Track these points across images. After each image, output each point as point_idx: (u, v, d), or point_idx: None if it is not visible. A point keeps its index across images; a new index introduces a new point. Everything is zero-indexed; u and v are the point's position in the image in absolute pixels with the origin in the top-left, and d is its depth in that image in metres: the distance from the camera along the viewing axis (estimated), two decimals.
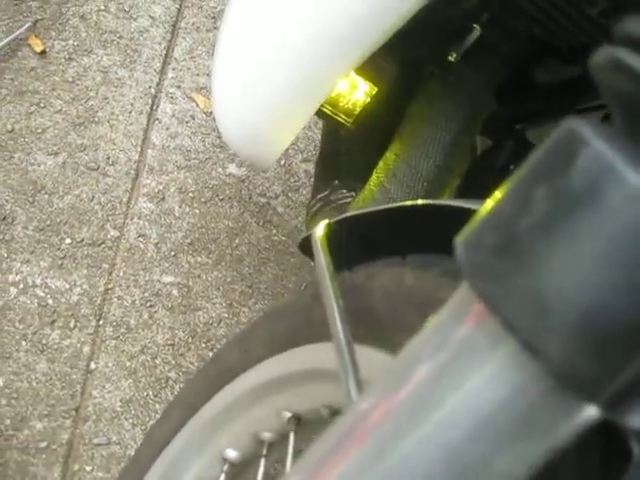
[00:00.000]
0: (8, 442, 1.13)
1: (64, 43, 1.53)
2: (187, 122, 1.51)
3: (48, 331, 1.23)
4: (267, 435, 0.67)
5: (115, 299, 1.29)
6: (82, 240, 1.32)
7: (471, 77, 0.86)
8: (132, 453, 1.16)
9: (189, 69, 1.58)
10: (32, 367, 1.19)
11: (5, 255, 1.27)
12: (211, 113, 1.52)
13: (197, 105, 1.54)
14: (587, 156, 0.23)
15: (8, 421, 1.15)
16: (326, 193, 0.97)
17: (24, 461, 1.13)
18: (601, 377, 0.23)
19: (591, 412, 0.25)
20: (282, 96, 0.81)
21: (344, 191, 0.96)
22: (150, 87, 1.53)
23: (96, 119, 1.46)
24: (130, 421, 1.20)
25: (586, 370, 0.23)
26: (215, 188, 1.45)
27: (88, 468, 1.15)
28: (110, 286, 1.30)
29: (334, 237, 0.55)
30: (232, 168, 1.48)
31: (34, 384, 1.18)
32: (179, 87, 1.55)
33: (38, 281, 1.26)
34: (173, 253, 1.36)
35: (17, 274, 1.26)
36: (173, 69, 1.57)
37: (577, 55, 0.82)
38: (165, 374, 1.25)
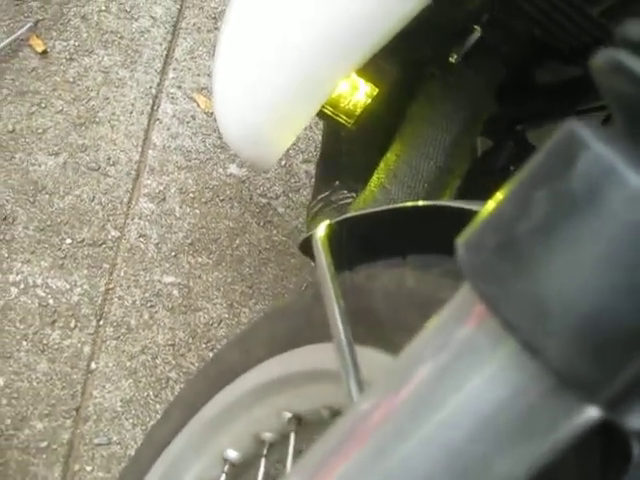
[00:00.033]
0: (9, 442, 1.13)
1: (65, 43, 1.53)
2: (188, 122, 1.51)
3: (49, 331, 1.23)
4: (268, 435, 0.67)
5: (116, 299, 1.29)
6: (83, 240, 1.32)
7: (472, 78, 0.86)
8: (132, 453, 1.16)
9: (190, 69, 1.58)
10: (33, 367, 1.20)
11: (6, 255, 1.28)
12: (212, 113, 1.52)
13: (198, 105, 1.54)
14: (587, 158, 0.23)
15: (9, 421, 1.15)
16: (327, 194, 0.97)
17: (25, 461, 1.13)
18: (601, 378, 0.23)
19: (591, 413, 0.25)
20: (283, 97, 0.82)
21: (345, 192, 0.96)
22: (151, 87, 1.53)
23: (97, 119, 1.46)
24: (130, 421, 1.20)
25: (586, 371, 0.23)
26: (216, 188, 1.45)
27: (88, 468, 1.15)
28: (111, 286, 1.30)
29: (335, 238, 0.55)
30: (233, 168, 1.48)
31: (35, 384, 1.18)
32: (180, 87, 1.55)
33: (39, 281, 1.27)
34: (174, 253, 1.36)
35: (18, 274, 1.26)
36: (174, 69, 1.57)
37: (578, 56, 0.82)
38: (165, 374, 1.25)
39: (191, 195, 1.43)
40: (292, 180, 1.51)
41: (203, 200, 1.43)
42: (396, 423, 0.28)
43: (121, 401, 1.21)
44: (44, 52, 1.50)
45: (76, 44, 1.54)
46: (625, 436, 0.33)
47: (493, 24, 0.83)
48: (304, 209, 1.43)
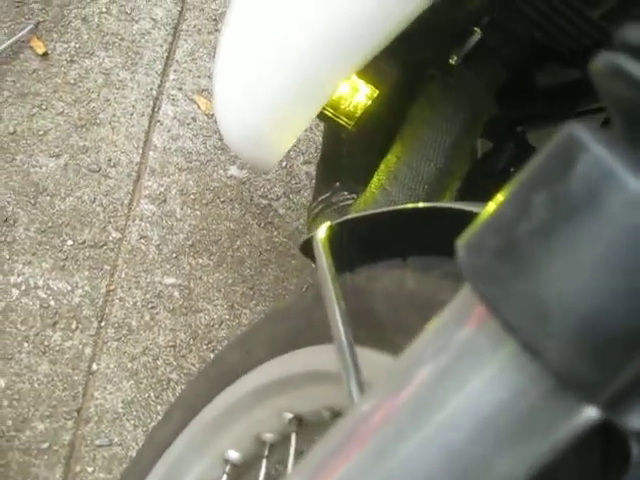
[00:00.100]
0: (10, 443, 1.13)
1: (66, 45, 1.53)
2: (188, 124, 1.51)
3: (50, 332, 1.23)
4: (269, 436, 0.67)
5: (117, 301, 1.29)
6: (84, 242, 1.33)
7: (472, 80, 0.87)
8: (134, 454, 1.17)
9: (190, 71, 1.58)
10: (34, 368, 1.20)
11: (7, 257, 1.28)
12: (212, 115, 1.52)
13: (198, 107, 1.54)
14: (587, 161, 0.23)
15: (10, 422, 1.15)
16: (327, 195, 0.97)
17: (26, 462, 1.13)
18: (601, 379, 0.23)
19: (591, 413, 0.25)
20: (284, 98, 0.82)
21: (345, 193, 0.96)
22: (151, 89, 1.53)
23: (98, 121, 1.46)
24: (132, 422, 1.20)
25: (586, 372, 0.23)
26: (216, 190, 1.45)
27: (90, 469, 1.15)
28: (112, 288, 1.30)
29: (335, 239, 0.55)
30: (233, 170, 1.48)
31: (36, 385, 1.19)
32: (180, 89, 1.55)
33: (40, 283, 1.27)
34: (174, 255, 1.36)
35: (19, 276, 1.26)
36: (174, 71, 1.58)
37: (578, 58, 0.82)
38: (166, 375, 1.25)
39: (192, 197, 1.43)
40: (293, 181, 1.51)
41: (204, 202, 1.43)
42: (397, 424, 0.28)
43: (122, 402, 1.21)
44: (45, 54, 1.50)
45: (77, 46, 1.54)
46: (624, 436, 0.33)
47: (493, 26, 0.83)
48: (305, 210, 1.44)
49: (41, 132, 1.41)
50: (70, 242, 1.32)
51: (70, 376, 1.21)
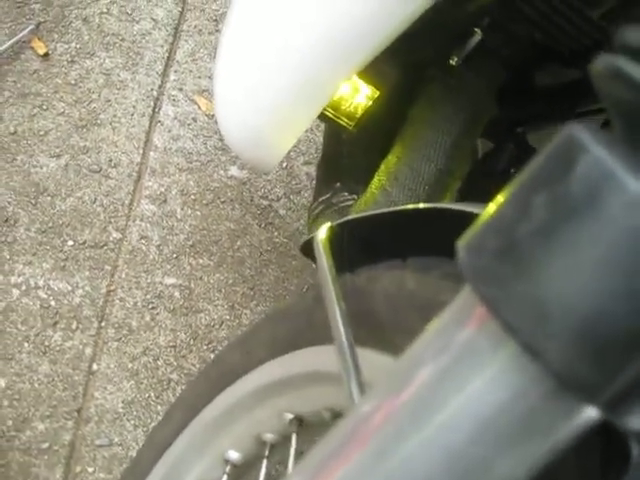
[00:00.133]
0: (10, 443, 1.14)
1: (67, 46, 1.53)
2: (189, 124, 1.51)
3: (50, 333, 1.23)
4: (269, 436, 0.68)
5: (117, 301, 1.29)
6: (84, 242, 1.33)
7: (472, 81, 0.87)
8: (134, 454, 1.17)
9: (191, 72, 1.59)
10: (34, 368, 1.20)
11: (7, 257, 1.28)
12: (213, 116, 1.52)
13: (199, 108, 1.54)
14: (587, 162, 0.23)
15: (10, 422, 1.15)
16: (328, 196, 0.97)
17: (26, 462, 1.13)
18: (601, 380, 0.23)
19: (591, 414, 0.25)
20: (284, 99, 0.82)
21: (346, 194, 0.96)
22: (152, 89, 1.53)
23: (98, 121, 1.46)
24: (132, 422, 1.20)
25: (586, 373, 0.23)
26: (217, 190, 1.45)
27: (90, 469, 1.15)
28: (112, 288, 1.30)
29: (336, 240, 0.55)
30: (234, 170, 1.48)
31: (36, 385, 1.19)
32: (181, 90, 1.55)
33: (40, 283, 1.27)
34: (175, 255, 1.36)
35: (19, 276, 1.27)
36: (175, 72, 1.58)
37: (578, 59, 0.82)
38: (167, 376, 1.25)
39: (192, 197, 1.43)
40: (293, 182, 1.51)
41: (204, 202, 1.43)
42: (397, 425, 0.28)
43: (122, 402, 1.21)
44: (46, 54, 1.50)
45: (78, 46, 1.54)
46: (624, 437, 0.33)
47: (494, 27, 0.83)
48: (305, 211, 1.44)
49: (42, 132, 1.42)
50: (71, 242, 1.32)
51: (70, 376, 1.21)
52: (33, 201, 1.34)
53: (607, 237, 0.22)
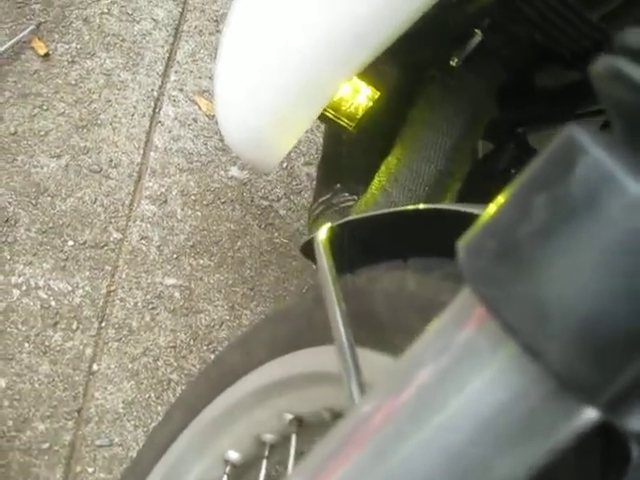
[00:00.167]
0: (10, 443, 1.14)
1: (67, 46, 1.53)
2: (189, 125, 1.52)
3: (51, 333, 1.23)
4: (269, 437, 0.68)
5: (117, 301, 1.29)
6: (85, 242, 1.33)
7: (472, 82, 0.87)
8: (134, 455, 1.17)
9: (192, 72, 1.59)
10: (35, 369, 1.20)
11: (8, 257, 1.28)
12: (213, 116, 1.52)
13: (199, 108, 1.54)
14: (586, 164, 0.23)
15: (10, 422, 1.15)
16: (328, 196, 0.97)
17: (26, 462, 1.13)
18: (601, 381, 0.23)
19: (591, 415, 0.25)
20: (285, 100, 0.82)
21: (346, 194, 0.96)
22: (153, 90, 1.54)
23: (99, 122, 1.46)
24: (132, 423, 1.20)
25: (586, 374, 0.23)
26: (217, 191, 1.45)
27: (90, 469, 1.15)
28: (112, 288, 1.30)
29: (336, 240, 0.55)
30: (234, 171, 1.48)
31: (37, 385, 1.19)
32: (182, 90, 1.56)
33: (41, 283, 1.27)
34: (175, 255, 1.36)
35: (20, 276, 1.27)
36: (176, 72, 1.58)
37: (578, 60, 0.83)
38: (167, 376, 1.25)
39: (192, 197, 1.43)
40: (293, 183, 1.51)
41: (204, 202, 1.43)
42: (397, 425, 0.28)
43: (123, 403, 1.21)
44: (46, 55, 1.50)
45: (78, 47, 1.54)
46: (624, 438, 0.33)
47: (494, 28, 0.83)
48: (305, 211, 1.44)
49: (42, 133, 1.42)
50: (71, 242, 1.32)
51: (71, 376, 1.21)
52: (33, 201, 1.34)
53: (606, 238, 0.22)
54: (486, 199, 0.30)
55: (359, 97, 0.91)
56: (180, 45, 1.62)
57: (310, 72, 0.79)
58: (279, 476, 0.83)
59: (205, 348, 1.29)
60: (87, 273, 1.30)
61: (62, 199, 1.36)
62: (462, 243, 0.26)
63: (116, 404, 1.21)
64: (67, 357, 1.22)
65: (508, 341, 0.25)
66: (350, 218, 0.57)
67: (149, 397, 1.23)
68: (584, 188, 0.23)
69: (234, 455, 0.70)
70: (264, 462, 0.67)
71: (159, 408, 1.22)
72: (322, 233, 0.55)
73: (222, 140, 1.47)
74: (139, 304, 1.30)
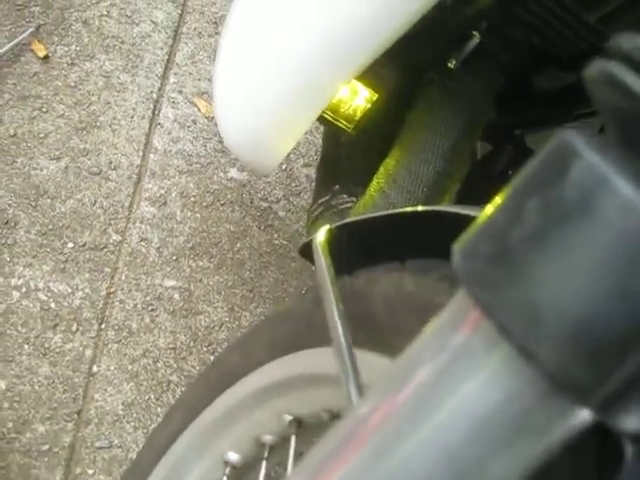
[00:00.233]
0: (10, 445, 1.14)
1: (67, 48, 1.54)
2: (189, 127, 1.52)
3: (50, 335, 1.23)
4: (268, 438, 0.68)
5: (117, 303, 1.29)
6: (84, 244, 1.33)
7: (470, 84, 0.87)
8: (134, 456, 1.17)
9: (191, 74, 1.59)
10: (34, 370, 1.20)
11: (8, 259, 1.28)
12: (213, 118, 1.52)
13: (199, 110, 1.54)
14: (580, 167, 0.23)
15: (10, 424, 1.15)
16: (327, 198, 0.98)
17: (26, 464, 1.13)
18: (594, 381, 0.24)
19: (584, 415, 0.25)
20: (284, 102, 0.82)
21: (345, 196, 0.96)
22: (152, 92, 1.54)
23: (98, 124, 1.46)
24: (132, 424, 1.20)
25: (579, 375, 0.24)
26: (216, 192, 1.45)
27: (90, 471, 1.15)
28: (112, 290, 1.30)
29: (335, 242, 0.55)
30: (233, 172, 1.49)
31: (36, 387, 1.19)
32: (181, 92, 1.56)
33: (40, 285, 1.27)
34: (175, 257, 1.36)
35: (20, 278, 1.27)
36: (175, 74, 1.58)
37: (576, 62, 0.83)
38: (167, 377, 1.26)
39: (192, 199, 1.43)
40: (293, 184, 1.51)
41: (204, 204, 1.43)
42: (395, 425, 0.28)
43: (122, 404, 1.21)
44: (46, 57, 1.51)
45: (77, 49, 1.54)
46: (619, 437, 0.33)
47: (492, 31, 0.83)
48: (305, 213, 1.44)
49: (42, 135, 1.42)
50: (71, 244, 1.32)
51: (70, 378, 1.21)
52: (33, 203, 1.34)
53: (600, 241, 0.23)
54: (484, 201, 0.30)
55: (358, 99, 0.91)
56: (179, 47, 1.62)
57: (309, 74, 0.79)
58: (279, 477, 0.83)
59: (205, 349, 1.29)
60: (87, 275, 1.30)
61: (62, 201, 1.36)
62: (457, 246, 0.27)
63: (116, 406, 1.21)
64: (67, 359, 1.22)
65: (502, 343, 0.25)
66: (348, 220, 0.57)
67: (149, 399, 1.23)
68: (578, 191, 0.23)
69: (234, 456, 0.70)
70: (264, 463, 0.67)
71: (159, 410, 1.23)
72: (321, 235, 0.55)
73: (221, 142, 1.47)
74: (139, 306, 1.30)
